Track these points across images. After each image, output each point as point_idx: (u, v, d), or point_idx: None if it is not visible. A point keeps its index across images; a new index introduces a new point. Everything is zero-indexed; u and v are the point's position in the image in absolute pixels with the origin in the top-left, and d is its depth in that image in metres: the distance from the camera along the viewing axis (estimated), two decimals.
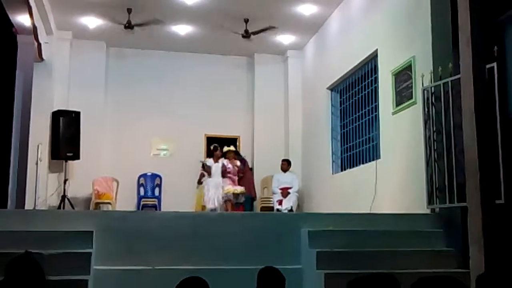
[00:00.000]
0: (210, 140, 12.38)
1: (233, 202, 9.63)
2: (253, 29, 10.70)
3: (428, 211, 6.27)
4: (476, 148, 4.32)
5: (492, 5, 5.40)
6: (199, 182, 10.07)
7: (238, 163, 10.03)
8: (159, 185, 11.81)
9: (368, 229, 5.89)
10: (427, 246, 5.75)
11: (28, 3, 8.25)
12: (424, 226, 6.06)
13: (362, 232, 5.82)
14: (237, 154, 10.47)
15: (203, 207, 9.87)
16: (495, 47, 5.46)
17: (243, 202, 9.95)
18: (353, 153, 9.73)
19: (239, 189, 9.75)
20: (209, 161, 10.00)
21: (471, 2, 4.58)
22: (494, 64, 5.37)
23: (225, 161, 9.85)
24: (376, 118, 8.58)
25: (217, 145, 10.15)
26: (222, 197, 9.51)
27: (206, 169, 9.83)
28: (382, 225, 6.01)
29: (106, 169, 11.40)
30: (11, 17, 8.80)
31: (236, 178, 9.94)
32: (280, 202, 10.36)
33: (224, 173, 9.72)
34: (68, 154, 10.63)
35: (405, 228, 5.99)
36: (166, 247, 5.46)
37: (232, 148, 10.16)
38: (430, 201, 6.11)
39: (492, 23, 5.63)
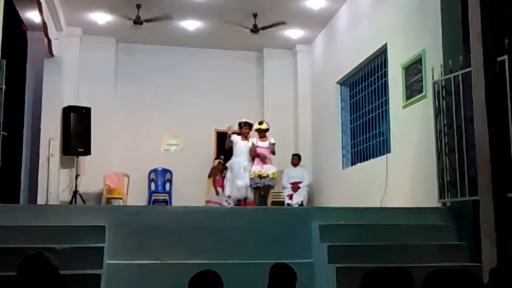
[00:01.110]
0: (220, 135, 12.39)
1: (260, 189, 8.46)
2: (262, 24, 10.69)
3: (439, 205, 6.25)
4: (488, 142, 4.30)
5: None
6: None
7: (272, 140, 8.71)
8: (170, 180, 11.85)
9: (379, 223, 5.89)
10: (439, 240, 5.73)
11: None
12: (435, 220, 6.05)
13: (373, 226, 5.82)
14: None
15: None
16: (506, 39, 5.42)
17: (273, 186, 8.77)
18: (363, 147, 9.71)
19: (271, 169, 8.48)
20: (235, 137, 8.74)
21: None
22: (505, 57, 5.33)
23: (255, 139, 8.63)
24: (386, 112, 8.56)
25: (248, 121, 8.85)
26: (250, 184, 8.43)
27: (228, 143, 8.76)
28: (393, 219, 6.01)
29: (117, 165, 11.46)
30: (21, 14, 8.86)
31: (268, 158, 8.57)
32: (290, 197, 10.37)
33: (254, 153, 8.49)
34: (79, 150, 10.70)
35: (416, 222, 5.99)
36: (177, 241, 5.48)
37: (264, 126, 8.76)
38: (441, 195, 6.10)
39: (502, 16, 5.59)
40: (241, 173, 8.51)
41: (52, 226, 5.27)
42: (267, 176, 8.36)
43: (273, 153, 8.61)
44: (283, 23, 10.74)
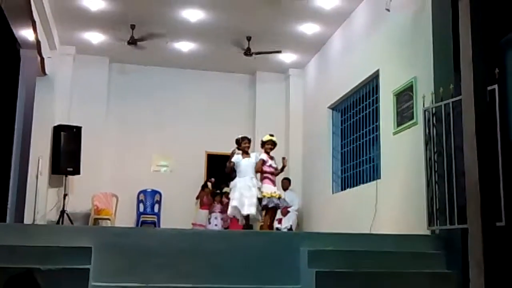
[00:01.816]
0: (210, 157, 12.39)
1: (278, 208, 7.78)
2: (256, 47, 10.77)
3: (428, 233, 6.23)
4: (477, 170, 4.31)
5: (493, 27, 5.43)
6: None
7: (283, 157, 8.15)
8: (159, 202, 11.79)
9: (368, 249, 5.85)
10: (428, 268, 5.70)
11: (32, 17, 8.30)
12: (424, 247, 6.03)
13: (362, 252, 5.78)
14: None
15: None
16: (496, 69, 5.48)
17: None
18: (353, 173, 9.72)
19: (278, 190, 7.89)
20: (236, 157, 7.88)
21: (472, 24, 4.59)
22: (495, 86, 5.38)
23: (264, 155, 7.85)
24: (377, 138, 8.58)
25: (246, 136, 8.23)
26: (261, 204, 7.53)
27: (229, 166, 7.84)
28: (382, 245, 5.97)
29: (106, 185, 11.39)
30: (15, 31, 8.84)
31: (275, 178, 7.89)
32: (279, 221, 10.32)
33: (261, 171, 7.70)
34: (69, 169, 10.64)
35: (405, 249, 5.95)
36: (165, 264, 5.42)
37: (274, 138, 8.06)
38: (430, 223, 6.09)
39: (493, 45, 5.65)
40: (249, 191, 7.64)
41: (38, 246, 5.19)
42: (280, 197, 7.73)
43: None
44: (278, 52, 10.83)
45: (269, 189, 7.62)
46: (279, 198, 7.66)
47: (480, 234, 4.21)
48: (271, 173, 7.77)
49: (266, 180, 7.69)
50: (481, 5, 4.50)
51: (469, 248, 4.36)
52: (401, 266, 5.63)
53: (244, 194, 7.57)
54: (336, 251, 5.69)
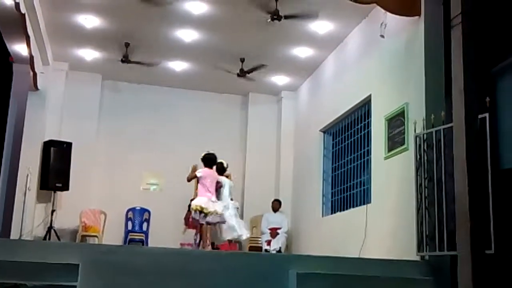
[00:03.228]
0: None
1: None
2: (248, 68, 10.82)
3: (417, 258, 6.23)
4: (467, 197, 4.34)
5: (485, 56, 5.50)
6: None
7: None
8: (148, 220, 11.71)
9: (357, 273, 5.83)
10: None
11: (26, 33, 8.31)
12: (413, 273, 6.01)
13: (351, 276, 5.76)
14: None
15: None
16: (487, 97, 5.53)
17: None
18: (343, 196, 9.72)
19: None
20: (222, 179, 8.29)
21: (464, 52, 4.66)
22: (486, 115, 5.42)
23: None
24: (368, 162, 8.61)
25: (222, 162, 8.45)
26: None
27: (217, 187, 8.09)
28: (371, 270, 5.95)
29: (94, 201, 11.31)
30: (8, 46, 8.87)
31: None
32: (268, 243, 10.30)
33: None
34: (57, 185, 10.57)
35: (394, 275, 5.93)
36: (153, 283, 5.37)
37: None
38: (419, 248, 6.08)
39: (485, 74, 5.71)
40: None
41: (24, 262, 5.13)
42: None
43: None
44: (265, 65, 10.80)
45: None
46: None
47: (470, 261, 4.23)
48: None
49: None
50: (474, 34, 4.57)
51: (459, 275, 4.38)
52: None
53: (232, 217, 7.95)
54: (325, 274, 5.66)
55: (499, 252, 5.12)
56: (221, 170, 8.31)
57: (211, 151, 8.26)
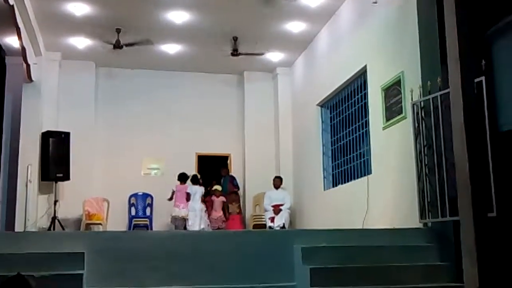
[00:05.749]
0: (201, 158, 12.38)
1: None
2: (242, 47, 10.77)
3: (420, 226, 6.26)
4: (467, 162, 4.32)
5: (479, 19, 5.45)
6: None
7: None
8: (151, 205, 11.75)
9: (361, 244, 5.86)
10: (421, 260, 5.72)
11: (17, 24, 8.25)
12: (417, 240, 6.04)
13: (355, 248, 5.79)
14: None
15: None
16: (483, 61, 5.50)
17: None
18: (344, 169, 9.73)
19: None
20: (193, 189, 10.78)
21: (458, 17, 4.61)
22: (483, 78, 5.40)
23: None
24: (367, 133, 8.60)
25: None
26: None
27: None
28: (375, 240, 5.99)
29: (96, 190, 11.34)
30: None
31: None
32: (272, 219, 10.33)
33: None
34: (58, 175, 10.58)
35: (398, 243, 5.97)
36: (158, 267, 5.40)
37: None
38: (422, 216, 6.11)
39: (479, 37, 5.68)
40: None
41: (30, 253, 5.16)
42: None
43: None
44: (262, 54, 10.90)
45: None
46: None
47: (472, 225, 4.23)
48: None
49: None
50: None
51: (462, 240, 4.39)
52: (395, 260, 5.65)
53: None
54: (329, 247, 5.70)
55: (501, 214, 5.14)
56: (195, 180, 10.79)
57: (183, 171, 10.83)
